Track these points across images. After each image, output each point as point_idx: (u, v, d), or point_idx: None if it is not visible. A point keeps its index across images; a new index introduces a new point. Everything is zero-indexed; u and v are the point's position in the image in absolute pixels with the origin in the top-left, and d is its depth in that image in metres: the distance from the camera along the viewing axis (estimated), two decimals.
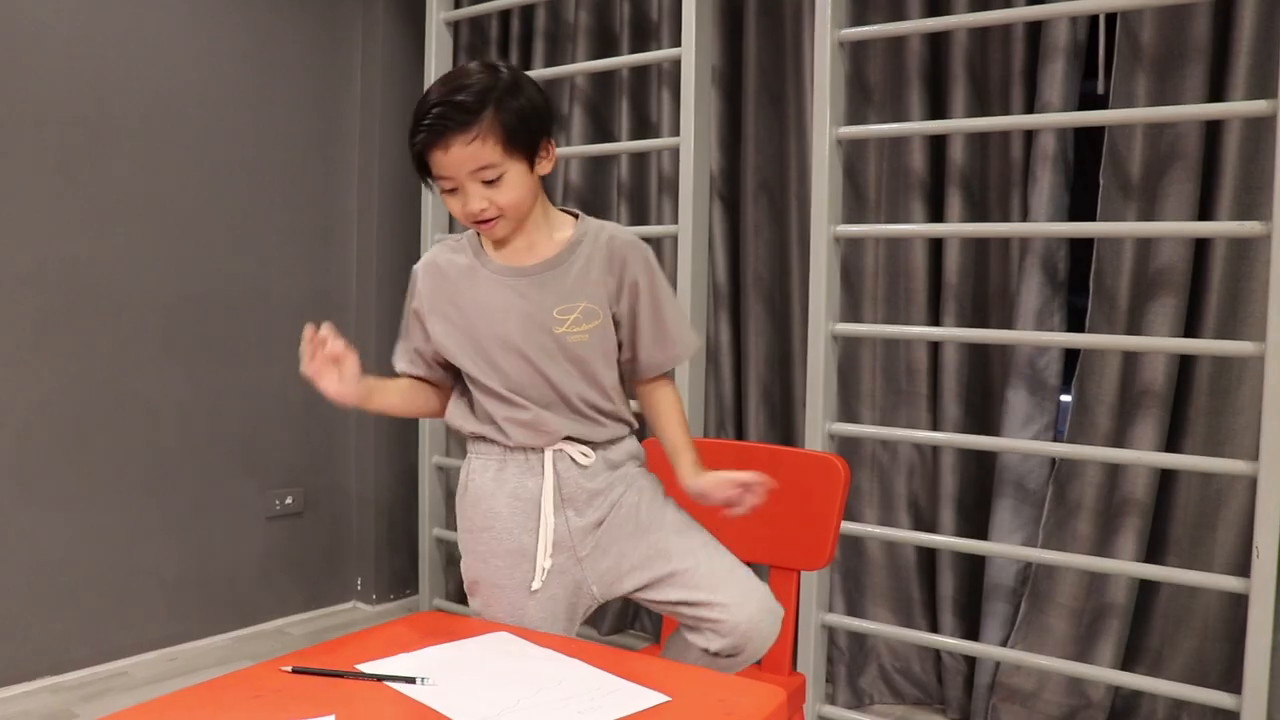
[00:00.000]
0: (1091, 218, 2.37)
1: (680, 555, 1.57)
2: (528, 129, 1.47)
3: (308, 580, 3.35)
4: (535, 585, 1.54)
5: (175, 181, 2.94)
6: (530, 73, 3.00)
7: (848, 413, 2.70)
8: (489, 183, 1.46)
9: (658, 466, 1.69)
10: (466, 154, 1.44)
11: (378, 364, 3.43)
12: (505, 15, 3.28)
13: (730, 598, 1.54)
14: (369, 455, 3.43)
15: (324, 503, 3.38)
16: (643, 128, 3.04)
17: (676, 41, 2.77)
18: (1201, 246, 2.29)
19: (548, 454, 1.54)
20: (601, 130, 3.13)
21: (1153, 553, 2.37)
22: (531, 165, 1.49)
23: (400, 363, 1.66)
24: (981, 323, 2.60)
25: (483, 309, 1.54)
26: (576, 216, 1.60)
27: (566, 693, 1.23)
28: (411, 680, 1.24)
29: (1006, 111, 2.52)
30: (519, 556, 1.55)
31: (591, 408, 1.56)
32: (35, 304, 2.68)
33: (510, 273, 1.55)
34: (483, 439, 1.58)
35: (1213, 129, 2.26)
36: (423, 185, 3.17)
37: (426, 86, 3.14)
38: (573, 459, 1.55)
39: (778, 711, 1.21)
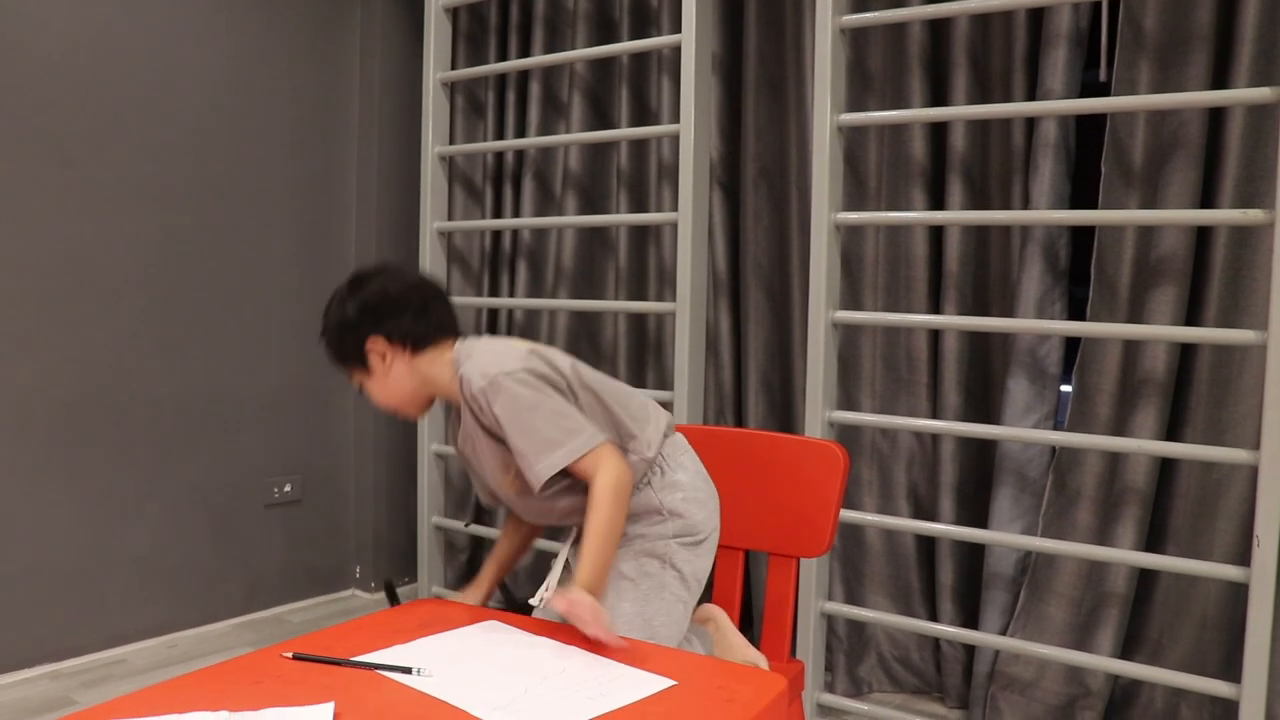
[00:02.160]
0: (1093, 206, 2.36)
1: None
2: (343, 347, 1.63)
3: (306, 568, 3.35)
4: (533, 601, 1.64)
5: (174, 167, 2.93)
6: (529, 60, 3.01)
7: (848, 401, 2.70)
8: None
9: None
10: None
11: None
12: (504, 1, 3.26)
13: None
14: (368, 443, 3.43)
15: (323, 490, 3.38)
16: (642, 115, 3.03)
17: (677, 28, 2.76)
18: (1203, 235, 2.28)
19: None
20: (601, 117, 3.12)
21: (1152, 542, 2.37)
22: (367, 370, 1.62)
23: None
24: (982, 311, 2.60)
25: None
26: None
27: (573, 680, 1.23)
28: (407, 670, 1.24)
29: (1008, 99, 2.51)
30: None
31: (575, 514, 1.63)
32: (34, 290, 2.67)
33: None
34: None
35: (1215, 117, 2.25)
36: (420, 181, 3.20)
37: (425, 73, 3.16)
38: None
39: (778, 699, 1.21)
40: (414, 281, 1.65)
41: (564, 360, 1.63)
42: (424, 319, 1.63)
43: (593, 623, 1.33)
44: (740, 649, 1.71)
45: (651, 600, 1.60)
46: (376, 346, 1.60)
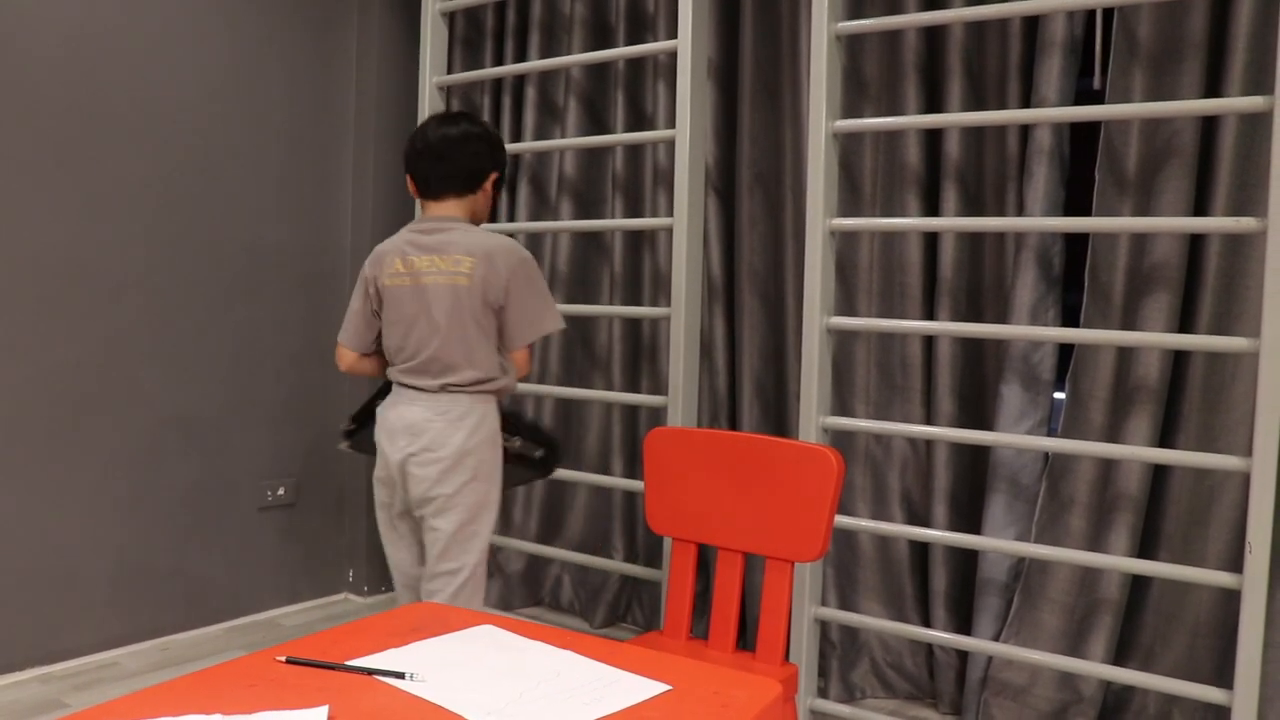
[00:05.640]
0: (1087, 213, 2.37)
1: None
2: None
3: (299, 572, 3.34)
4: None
5: (170, 170, 2.93)
6: (525, 64, 3.02)
7: (841, 406, 2.71)
8: None
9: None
10: None
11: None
12: (501, 6, 3.27)
13: None
14: None
15: (316, 494, 3.37)
16: (638, 120, 3.03)
17: (673, 34, 2.77)
18: (1196, 242, 2.29)
19: None
20: (597, 122, 3.12)
21: (1145, 548, 2.38)
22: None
23: None
24: (976, 317, 2.60)
25: None
26: None
27: (568, 685, 1.23)
28: (401, 675, 1.23)
29: (1002, 106, 2.52)
30: None
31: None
32: (29, 293, 2.66)
33: None
34: None
35: (1209, 125, 2.26)
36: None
37: (421, 77, 3.16)
38: None
39: (773, 705, 1.21)
40: None
41: (380, 277, 2.10)
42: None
43: None
44: None
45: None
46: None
